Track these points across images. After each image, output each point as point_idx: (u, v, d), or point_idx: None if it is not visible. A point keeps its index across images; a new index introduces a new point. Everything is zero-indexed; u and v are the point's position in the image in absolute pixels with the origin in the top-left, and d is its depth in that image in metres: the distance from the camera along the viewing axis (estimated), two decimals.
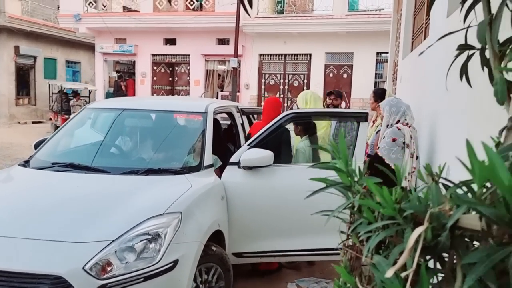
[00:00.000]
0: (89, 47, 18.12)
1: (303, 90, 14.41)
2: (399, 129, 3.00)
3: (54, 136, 3.37)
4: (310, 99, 4.16)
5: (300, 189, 3.04)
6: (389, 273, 0.58)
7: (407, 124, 3.05)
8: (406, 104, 3.13)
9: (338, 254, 3.50)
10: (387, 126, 3.11)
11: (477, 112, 1.96)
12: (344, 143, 0.86)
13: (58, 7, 16.58)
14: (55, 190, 2.58)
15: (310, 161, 3.55)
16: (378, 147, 3.06)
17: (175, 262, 2.15)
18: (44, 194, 2.54)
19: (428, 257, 0.64)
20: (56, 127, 11.92)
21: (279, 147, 3.44)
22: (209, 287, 2.55)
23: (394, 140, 2.97)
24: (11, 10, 15.81)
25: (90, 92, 15.70)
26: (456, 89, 2.39)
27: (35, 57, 17.39)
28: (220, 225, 2.72)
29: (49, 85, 15.81)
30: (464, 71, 0.96)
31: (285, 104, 14.59)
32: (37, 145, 3.34)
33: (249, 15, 11.89)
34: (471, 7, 0.90)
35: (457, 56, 0.96)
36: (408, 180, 2.87)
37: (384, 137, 3.06)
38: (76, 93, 14.55)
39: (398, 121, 3.07)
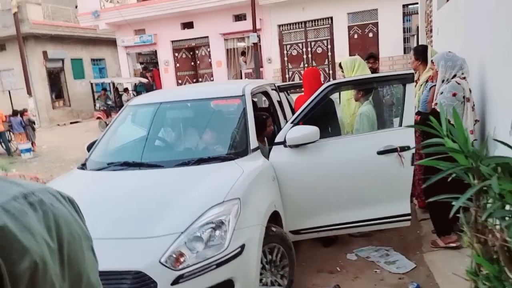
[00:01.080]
0: (111, 43, 18.37)
1: (327, 57, 14.05)
2: (458, 84, 2.91)
3: (103, 137, 3.49)
4: (359, 67, 3.91)
5: (350, 161, 3.07)
6: None
7: (464, 78, 2.95)
8: (462, 58, 3.00)
9: (395, 222, 3.47)
10: (443, 81, 3.02)
11: None
12: (459, 119, 0.80)
13: (76, 7, 16.80)
14: (118, 190, 2.70)
15: (375, 126, 3.49)
16: (436, 103, 2.98)
17: (242, 247, 2.22)
18: (108, 194, 2.66)
19: None
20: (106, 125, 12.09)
21: (325, 120, 3.41)
22: (275, 266, 2.63)
23: (454, 94, 2.89)
24: (33, 16, 16.18)
25: (136, 85, 15.45)
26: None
27: (62, 60, 17.88)
28: (276, 205, 2.76)
29: (91, 83, 15.71)
30: None
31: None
32: (89, 147, 3.48)
33: None
34: None
35: None
36: (473, 134, 2.87)
37: (442, 93, 2.97)
38: (125, 88, 14.75)
39: (455, 75, 2.96)
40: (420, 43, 7.53)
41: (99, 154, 3.33)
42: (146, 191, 2.62)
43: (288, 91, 5.03)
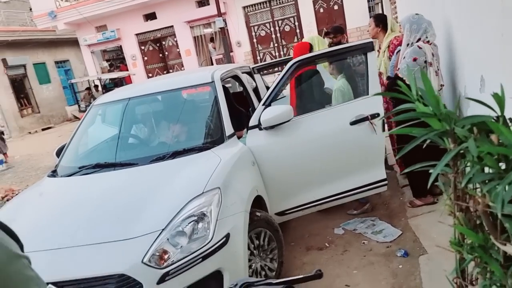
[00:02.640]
0: (74, 43, 17.68)
1: (296, 34, 13.95)
2: (420, 48, 2.89)
3: (72, 140, 3.35)
4: (318, 43, 4.05)
5: (325, 135, 3.05)
6: None
7: (428, 42, 2.92)
8: (427, 21, 2.97)
9: (373, 189, 3.52)
10: (407, 45, 2.99)
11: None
12: (430, 83, 0.75)
13: (31, 9, 16.02)
14: (92, 194, 2.59)
15: (352, 98, 3.48)
16: (398, 68, 2.97)
17: (227, 236, 2.18)
18: (82, 199, 2.55)
19: None
20: None
21: (312, 92, 3.41)
22: (263, 251, 2.61)
23: (415, 59, 2.87)
24: None
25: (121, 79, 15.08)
26: None
27: (24, 65, 17.13)
28: (258, 190, 2.73)
29: (71, 84, 15.34)
30: None
31: (281, 53, 14.18)
32: (58, 153, 3.34)
33: None
34: None
35: None
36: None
37: (404, 57, 2.96)
38: (120, 82, 14.28)
39: (419, 39, 2.94)
40: (385, 11, 7.53)
41: (70, 158, 3.19)
42: (122, 191, 2.53)
43: (262, 72, 4.95)
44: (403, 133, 0.82)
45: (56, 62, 19.05)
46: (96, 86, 14.64)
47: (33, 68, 17.54)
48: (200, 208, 2.20)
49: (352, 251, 3.01)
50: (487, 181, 0.62)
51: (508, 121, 0.66)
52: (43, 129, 17.06)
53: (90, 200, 2.53)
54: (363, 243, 3.08)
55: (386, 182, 3.14)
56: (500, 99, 0.65)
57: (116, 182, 2.68)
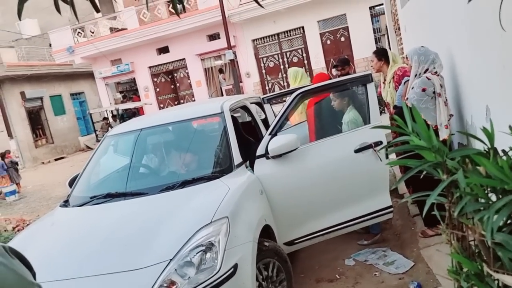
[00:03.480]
0: (89, 75, 18.31)
1: (304, 65, 14.22)
2: (429, 79, 2.94)
3: (85, 171, 3.42)
4: (301, 77, 4.42)
5: (331, 163, 3.07)
6: None
7: (435, 73, 2.99)
8: (434, 52, 3.05)
9: (379, 216, 3.49)
10: (415, 75, 3.05)
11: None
12: (420, 117, 0.79)
13: (50, 45, 16.75)
14: (102, 223, 2.62)
15: None
16: (407, 98, 3.01)
17: (235, 267, 2.17)
18: (93, 229, 2.58)
19: None
20: None
21: (330, 119, 3.53)
22: (272, 282, 2.57)
23: (424, 90, 2.92)
24: (8, 59, 16.11)
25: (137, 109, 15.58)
26: (480, 24, 2.29)
27: (41, 98, 17.73)
28: (266, 219, 2.72)
29: (90, 114, 15.92)
30: None
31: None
32: (71, 183, 3.40)
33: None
34: None
35: None
36: (449, 129, 2.88)
37: (413, 87, 3.01)
38: (133, 113, 14.70)
39: (427, 70, 3.00)
40: (390, 42, 7.68)
41: (82, 188, 3.25)
42: (131, 221, 2.55)
43: (271, 102, 5.05)
44: (400, 164, 0.85)
45: (72, 94, 19.66)
46: (114, 116, 15.03)
47: (50, 100, 18.13)
48: (208, 238, 2.20)
49: (364, 283, 2.94)
50: (479, 210, 0.63)
51: (500, 152, 0.69)
52: (56, 159, 17.37)
53: (99, 230, 2.55)
54: (375, 274, 3.02)
55: (391, 209, 3.12)
56: (489, 133, 0.68)
57: (126, 211, 2.71)
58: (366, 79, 3.22)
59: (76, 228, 2.72)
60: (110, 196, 2.93)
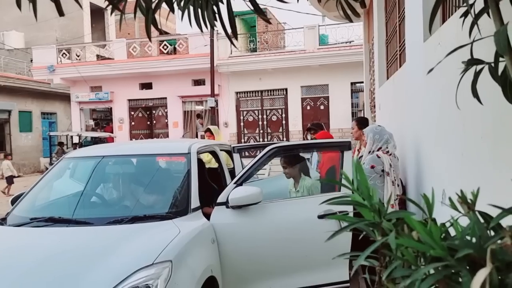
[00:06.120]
0: (64, 97, 17.98)
1: (282, 125, 14.63)
2: (379, 157, 3.05)
3: (31, 190, 3.21)
4: (220, 132, 5.24)
5: (291, 225, 3.02)
6: None
7: (387, 152, 3.10)
8: (389, 133, 3.19)
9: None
10: (369, 152, 3.16)
11: (469, 133, 1.97)
12: (364, 174, 0.80)
13: (31, 60, 16.56)
14: (35, 249, 2.41)
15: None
16: None
17: None
18: (24, 254, 2.36)
19: None
20: None
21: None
22: None
23: (372, 167, 3.02)
24: None
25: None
26: (444, 111, 2.43)
27: (9, 111, 17.10)
28: (212, 270, 2.59)
29: (50, 136, 15.23)
30: (474, 87, 0.92)
31: (265, 139, 14.67)
32: (14, 201, 3.17)
33: (235, 46, 12.17)
34: (477, 18, 0.89)
35: (464, 72, 0.92)
36: (394, 207, 2.91)
37: (363, 163, 3.10)
38: (96, 142, 14.15)
39: (380, 148, 3.12)
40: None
41: (24, 208, 3.03)
42: (68, 250, 2.36)
43: (242, 154, 5.07)
44: (337, 219, 0.83)
45: (43, 113, 19.11)
46: (75, 144, 14.51)
47: (18, 114, 17.50)
48: (146, 280, 2.05)
49: None
50: (407, 277, 0.62)
51: (436, 221, 0.69)
52: None
53: (31, 256, 2.33)
54: None
55: (348, 284, 3.03)
56: (428, 201, 0.69)
57: (65, 240, 2.51)
58: (345, 146, 3.22)
59: (6, 249, 2.48)
60: (52, 221, 2.73)
